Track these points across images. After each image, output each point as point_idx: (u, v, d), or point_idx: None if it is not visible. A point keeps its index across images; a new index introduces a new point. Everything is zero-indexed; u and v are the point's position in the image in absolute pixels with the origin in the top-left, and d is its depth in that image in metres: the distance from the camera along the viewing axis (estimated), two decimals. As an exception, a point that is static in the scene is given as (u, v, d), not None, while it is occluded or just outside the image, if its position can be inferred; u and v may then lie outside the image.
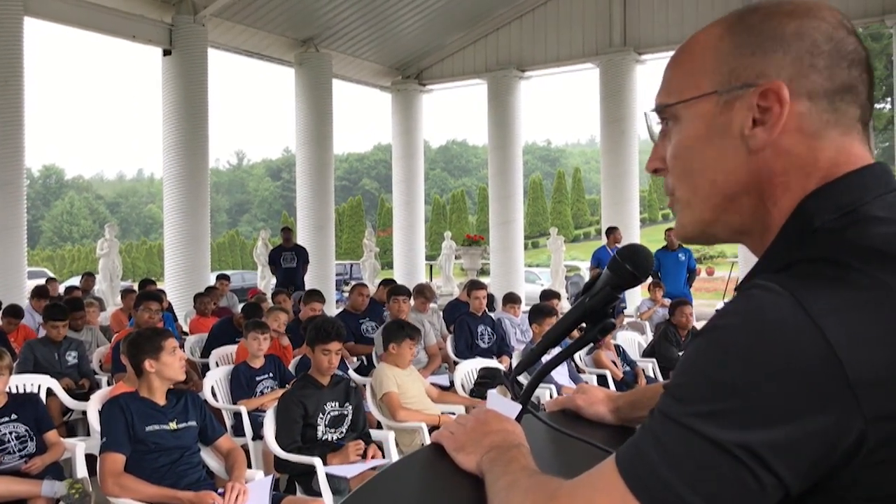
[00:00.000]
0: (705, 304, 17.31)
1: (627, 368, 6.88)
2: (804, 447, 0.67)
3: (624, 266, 1.07)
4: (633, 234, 15.97)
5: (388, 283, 9.32)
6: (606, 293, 1.08)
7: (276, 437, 4.08)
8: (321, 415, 4.17)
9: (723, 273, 25.46)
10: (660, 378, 7.10)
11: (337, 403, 4.26)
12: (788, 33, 0.80)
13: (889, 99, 31.53)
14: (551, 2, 16.83)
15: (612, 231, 11.66)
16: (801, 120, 0.80)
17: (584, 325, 1.11)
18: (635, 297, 14.92)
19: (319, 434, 4.13)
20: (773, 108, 0.79)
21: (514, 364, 6.09)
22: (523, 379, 5.95)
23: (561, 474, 0.85)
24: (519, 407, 1.16)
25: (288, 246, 13.01)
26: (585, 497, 0.76)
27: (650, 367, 7.16)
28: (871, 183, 0.78)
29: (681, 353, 6.25)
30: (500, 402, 1.22)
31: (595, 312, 1.08)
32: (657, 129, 0.90)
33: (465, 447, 1.06)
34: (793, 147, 0.80)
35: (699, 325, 7.97)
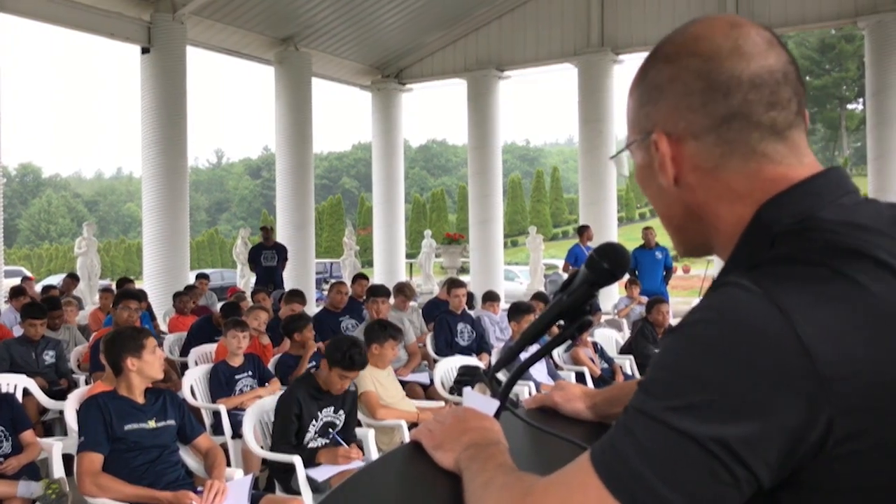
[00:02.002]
0: (681, 301, 17.45)
1: (605, 365, 6.94)
2: (776, 440, 0.68)
3: (601, 264, 1.08)
4: (610, 232, 16.08)
5: (360, 278, 9.33)
6: (584, 291, 1.09)
7: (271, 435, 4.12)
8: (314, 421, 4.11)
9: (699, 271, 25.66)
10: (637, 375, 7.17)
11: (332, 409, 4.21)
12: (664, 80, 0.85)
13: (861, 100, 31.90)
14: (530, 2, 16.88)
15: (584, 229, 11.96)
16: (695, 159, 0.84)
17: (561, 322, 1.13)
18: (612, 294, 15.02)
19: (306, 439, 4.09)
20: (659, 156, 0.85)
21: (494, 362, 6.13)
22: (502, 376, 6.00)
23: (539, 471, 0.86)
24: (497, 404, 1.18)
25: (268, 244, 12.99)
26: (560, 494, 0.76)
27: (627, 363, 7.23)
28: (823, 189, 0.80)
29: (657, 350, 6.37)
30: (479, 400, 1.23)
31: (572, 310, 1.09)
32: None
33: (444, 445, 1.06)
34: (698, 183, 0.85)
35: (675, 322, 8.04)
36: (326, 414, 4.18)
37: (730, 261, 0.84)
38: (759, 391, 0.68)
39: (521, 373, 1.18)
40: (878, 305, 0.70)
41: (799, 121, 0.84)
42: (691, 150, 0.84)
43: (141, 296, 8.08)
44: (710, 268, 16.79)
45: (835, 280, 0.71)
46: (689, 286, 23.65)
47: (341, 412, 4.24)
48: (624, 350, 7.66)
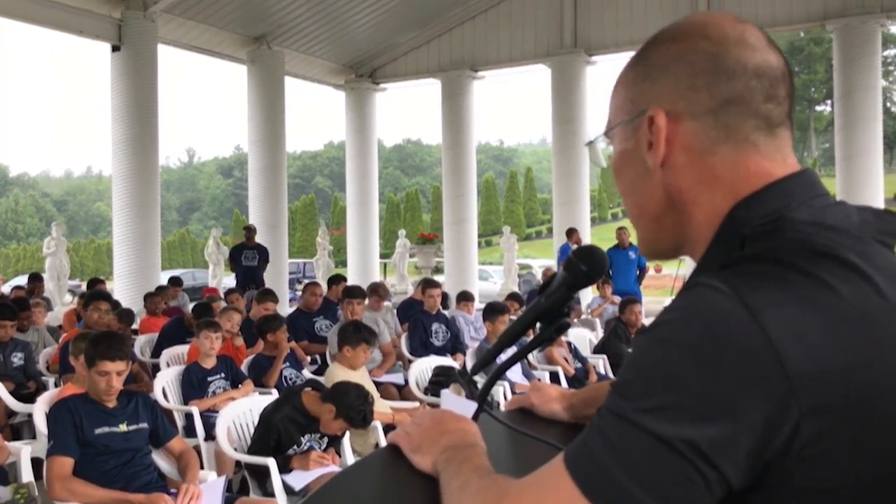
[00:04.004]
0: (654, 300, 17.60)
1: (579, 365, 6.98)
2: (744, 441, 0.68)
3: (579, 266, 1.08)
4: (584, 232, 16.16)
5: (336, 281, 9.30)
6: (562, 293, 1.09)
7: (249, 445, 4.05)
8: (296, 446, 3.97)
9: (671, 270, 25.89)
10: (611, 374, 7.21)
11: (318, 436, 4.06)
12: (669, 58, 0.85)
13: (829, 101, 32.43)
14: (504, 3, 16.93)
15: (573, 232, 12.42)
16: (688, 139, 0.84)
17: (539, 324, 1.13)
18: (586, 294, 15.10)
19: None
20: (655, 133, 0.85)
21: (468, 362, 6.13)
22: (479, 377, 6.01)
23: (517, 473, 0.86)
24: (475, 406, 1.17)
25: (249, 244, 12.88)
26: (534, 496, 0.76)
27: (601, 363, 7.28)
28: (795, 191, 0.81)
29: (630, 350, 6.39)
30: (456, 402, 1.23)
31: (550, 312, 1.10)
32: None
33: (422, 448, 1.06)
34: (686, 165, 0.85)
35: (648, 321, 8.10)
36: (309, 440, 4.03)
37: (702, 261, 0.85)
38: (727, 392, 0.68)
39: (499, 375, 1.18)
40: (846, 307, 0.70)
41: (788, 122, 0.86)
42: (687, 129, 0.84)
43: (110, 296, 7.98)
44: (681, 267, 16.95)
45: (804, 281, 0.71)
46: (661, 286, 23.85)
47: (325, 438, 4.09)
48: (597, 350, 7.70)
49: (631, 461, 0.70)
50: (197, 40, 15.36)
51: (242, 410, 4.40)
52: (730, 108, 0.83)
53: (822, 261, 0.72)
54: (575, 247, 11.48)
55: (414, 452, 1.07)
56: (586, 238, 16.23)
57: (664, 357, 0.71)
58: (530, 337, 1.17)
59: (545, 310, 1.09)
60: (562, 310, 1.10)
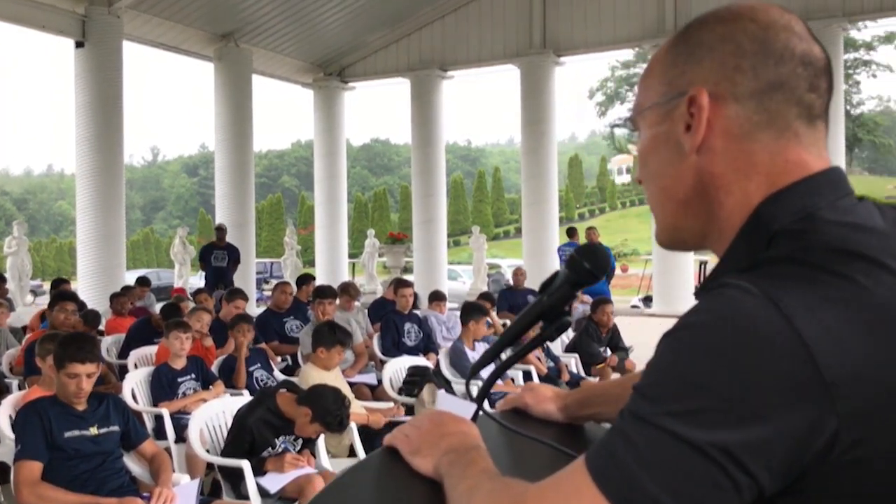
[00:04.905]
0: (620, 300, 17.74)
1: (551, 364, 7.00)
2: (779, 447, 0.67)
3: (582, 264, 1.07)
4: (552, 232, 16.27)
5: (306, 281, 9.23)
6: (565, 291, 1.08)
7: (223, 447, 4.00)
8: (270, 449, 3.92)
9: (637, 270, 26.13)
10: (582, 373, 7.26)
11: (292, 437, 4.01)
12: (714, 39, 0.83)
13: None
14: (473, 3, 16.95)
15: (573, 231, 12.70)
16: (729, 122, 0.81)
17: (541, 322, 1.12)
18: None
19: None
20: (696, 113, 0.82)
21: (442, 361, 6.11)
22: (449, 375, 6.01)
23: (515, 475, 0.84)
24: (472, 407, 1.16)
25: (220, 244, 12.73)
26: (555, 500, 0.74)
27: (573, 362, 7.31)
28: (824, 188, 0.79)
29: (602, 349, 6.32)
30: (453, 403, 1.21)
31: (553, 310, 1.08)
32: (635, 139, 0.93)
33: (421, 450, 1.03)
34: (724, 149, 0.82)
35: (617, 319, 8.16)
36: (284, 441, 3.98)
37: (724, 258, 0.82)
38: (762, 397, 0.66)
39: (498, 375, 1.16)
40: (880, 308, 0.69)
41: (825, 116, 0.84)
42: (729, 112, 0.81)
43: (76, 297, 7.83)
44: (647, 267, 17.09)
45: (836, 283, 0.70)
46: (627, 285, 24.06)
47: (299, 440, 4.04)
48: (569, 349, 7.73)
49: (658, 466, 0.68)
50: (163, 37, 15.16)
51: (215, 412, 4.34)
52: (775, 93, 0.80)
53: (854, 262, 0.71)
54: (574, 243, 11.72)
55: (413, 455, 1.04)
56: (554, 238, 16.34)
57: (693, 360, 0.69)
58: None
59: (548, 308, 1.08)
60: (564, 308, 1.08)
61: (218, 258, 12.50)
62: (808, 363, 0.66)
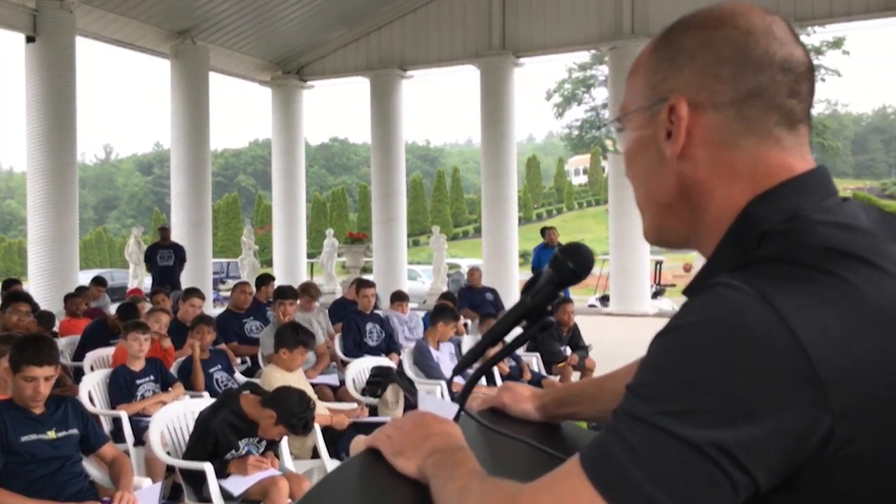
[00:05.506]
0: (578, 299, 17.89)
1: (513, 363, 7.03)
2: (775, 444, 0.67)
3: (566, 264, 1.07)
4: (511, 233, 16.36)
5: (265, 281, 9.15)
6: (548, 291, 1.08)
7: (185, 450, 3.94)
8: (233, 451, 3.87)
9: (594, 270, 26.31)
10: (543, 372, 7.31)
11: (255, 440, 3.97)
12: (695, 45, 0.83)
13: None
14: (433, 3, 16.95)
15: (547, 230, 12.57)
16: (709, 131, 0.82)
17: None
18: (514, 293, 15.27)
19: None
20: (675, 122, 0.83)
21: (405, 361, 6.10)
22: (413, 375, 6.00)
23: (496, 475, 0.84)
24: (454, 407, 1.15)
25: (164, 244, 12.59)
26: (550, 501, 0.73)
27: (534, 361, 7.35)
28: (810, 189, 0.80)
29: (563, 348, 6.36)
30: (435, 403, 1.21)
31: (536, 310, 1.08)
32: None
33: (405, 451, 1.01)
34: (705, 157, 0.83)
35: (576, 318, 8.24)
36: (247, 444, 3.94)
37: (713, 258, 0.83)
38: (757, 395, 0.67)
39: (480, 376, 1.17)
40: (872, 307, 0.69)
41: (807, 119, 0.84)
42: (708, 121, 0.82)
43: (30, 297, 7.66)
44: (604, 267, 17.26)
45: (828, 281, 0.70)
46: (584, 284, 24.11)
47: (263, 442, 4.00)
48: (530, 348, 7.77)
49: (654, 465, 0.68)
50: (118, 33, 14.88)
51: (176, 414, 4.28)
52: (754, 100, 0.81)
53: (844, 261, 0.71)
54: (547, 244, 11.73)
55: (397, 456, 1.02)
56: (513, 238, 16.44)
57: (688, 359, 0.69)
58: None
59: (531, 308, 1.08)
60: (546, 308, 1.09)
61: (164, 258, 12.37)
62: (803, 361, 0.67)
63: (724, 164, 0.82)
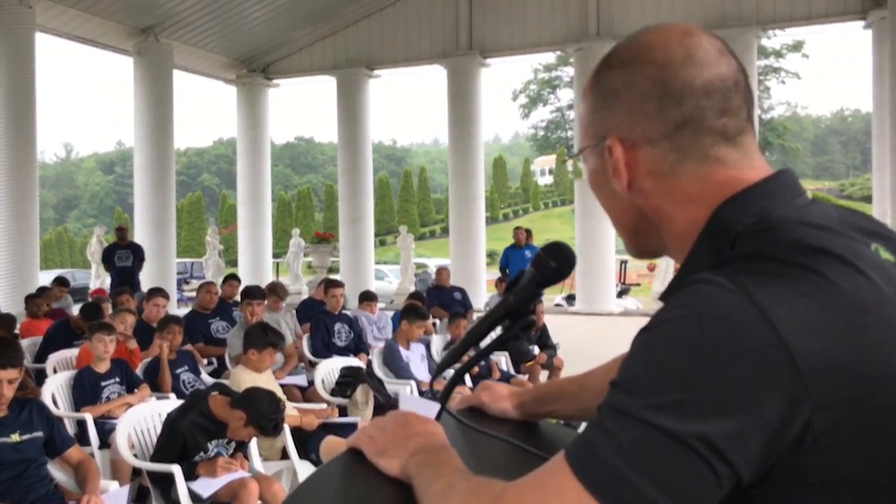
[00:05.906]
0: (544, 298, 18.02)
1: (482, 362, 7.07)
2: (757, 435, 0.68)
3: (548, 263, 1.08)
4: (479, 233, 16.41)
5: (231, 280, 9.07)
6: (531, 290, 1.09)
7: (153, 452, 3.90)
8: (202, 453, 3.84)
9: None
10: (512, 371, 7.34)
11: (224, 441, 3.94)
12: (619, 85, 0.86)
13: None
14: (400, 3, 16.94)
15: (516, 230, 12.48)
16: (649, 164, 0.85)
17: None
18: (482, 292, 15.32)
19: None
20: (613, 161, 0.87)
21: (374, 361, 6.09)
22: (382, 375, 5.99)
23: (477, 473, 0.85)
24: (436, 407, 1.16)
25: (122, 244, 12.41)
26: (537, 498, 0.74)
27: (503, 360, 7.38)
28: (775, 192, 0.82)
29: (531, 347, 6.39)
30: (416, 403, 1.22)
31: (518, 309, 1.09)
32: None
33: (388, 451, 1.01)
34: (652, 188, 0.86)
35: (544, 317, 8.29)
36: (216, 445, 3.91)
37: (689, 260, 0.85)
38: (739, 388, 0.68)
39: (461, 376, 1.17)
40: (848, 300, 0.71)
41: (749, 127, 0.86)
42: (646, 155, 0.85)
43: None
44: (572, 266, 17.38)
45: (806, 276, 0.72)
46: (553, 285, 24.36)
47: (232, 443, 3.98)
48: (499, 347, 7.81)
49: (641, 459, 0.69)
50: (79, 30, 14.65)
51: (143, 416, 4.23)
52: (683, 130, 0.84)
53: (819, 257, 0.73)
54: (531, 245, 11.70)
55: (379, 456, 1.02)
56: (481, 238, 16.49)
57: (671, 354, 0.71)
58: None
59: (513, 307, 1.09)
60: (529, 307, 1.10)
61: (122, 258, 12.19)
62: (783, 353, 0.69)
63: (673, 191, 0.86)
